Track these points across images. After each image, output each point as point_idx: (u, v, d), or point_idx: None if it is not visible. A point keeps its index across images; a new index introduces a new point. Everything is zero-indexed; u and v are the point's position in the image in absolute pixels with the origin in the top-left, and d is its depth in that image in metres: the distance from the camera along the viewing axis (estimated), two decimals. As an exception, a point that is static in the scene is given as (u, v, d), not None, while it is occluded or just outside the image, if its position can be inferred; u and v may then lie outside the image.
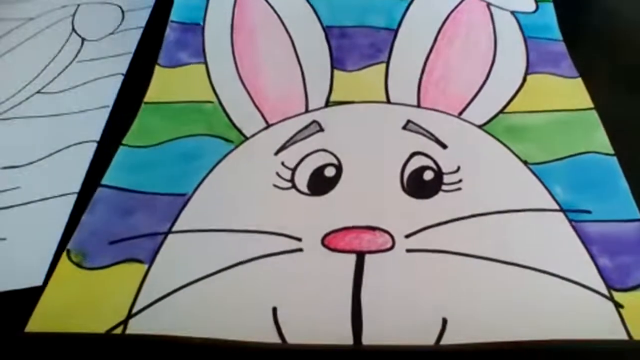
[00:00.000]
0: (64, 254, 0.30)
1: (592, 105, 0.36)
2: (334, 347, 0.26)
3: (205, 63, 0.41)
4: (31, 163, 0.36)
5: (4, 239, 0.32)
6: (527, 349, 0.25)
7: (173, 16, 0.45)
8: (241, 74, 0.40)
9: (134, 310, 0.28)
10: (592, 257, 0.29)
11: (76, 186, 0.34)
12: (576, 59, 0.40)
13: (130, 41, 0.45)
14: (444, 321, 0.26)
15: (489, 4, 0.43)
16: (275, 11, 0.44)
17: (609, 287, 0.27)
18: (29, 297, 0.29)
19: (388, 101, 0.38)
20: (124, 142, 0.36)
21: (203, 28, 0.44)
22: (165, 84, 0.40)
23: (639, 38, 0.43)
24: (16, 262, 0.31)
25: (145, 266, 0.29)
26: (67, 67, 0.44)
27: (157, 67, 0.41)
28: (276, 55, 0.41)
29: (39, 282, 0.29)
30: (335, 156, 0.34)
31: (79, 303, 0.28)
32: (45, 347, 0.27)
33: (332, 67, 0.40)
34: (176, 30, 0.44)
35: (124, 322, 0.27)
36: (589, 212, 0.30)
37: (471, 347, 0.26)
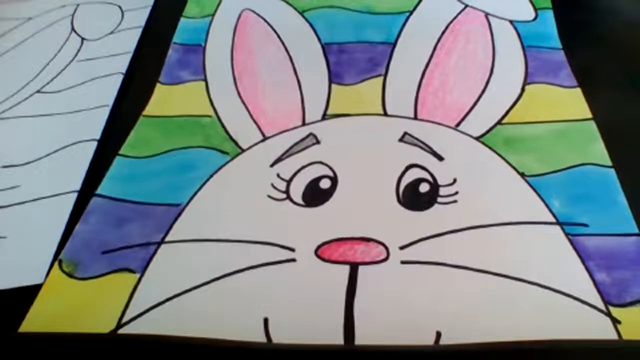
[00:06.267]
0: (56, 263, 0.30)
1: (590, 116, 0.36)
2: (333, 347, 0.26)
3: (205, 80, 0.42)
4: (31, 162, 0.36)
5: (4, 237, 0.32)
6: (527, 349, 0.25)
7: (175, 39, 0.46)
8: (240, 89, 0.40)
9: (124, 320, 0.28)
10: (589, 271, 0.28)
11: (76, 185, 0.34)
12: (575, 64, 0.40)
13: (129, 41, 0.46)
14: (438, 334, 0.26)
15: (487, 14, 0.43)
16: (275, 31, 0.44)
17: (606, 302, 0.27)
18: (30, 295, 0.29)
19: (385, 114, 0.38)
20: (120, 152, 0.36)
21: (204, 48, 0.44)
22: (164, 100, 0.40)
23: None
24: (16, 260, 0.31)
25: (137, 276, 0.29)
26: (66, 66, 0.44)
27: (157, 85, 0.42)
28: (275, 72, 0.41)
29: (39, 280, 0.30)
30: (330, 168, 0.34)
31: (69, 313, 0.28)
32: (44, 347, 0.27)
33: (330, 82, 0.40)
34: (178, 51, 0.45)
35: (113, 332, 0.27)
36: (586, 225, 0.30)
37: (471, 347, 0.25)
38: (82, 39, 0.47)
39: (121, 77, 0.42)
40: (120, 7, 0.50)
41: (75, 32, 0.48)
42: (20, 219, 0.33)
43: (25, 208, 0.34)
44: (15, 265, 0.31)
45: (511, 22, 0.43)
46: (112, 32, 0.47)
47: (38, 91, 0.42)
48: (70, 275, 0.30)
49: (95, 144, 0.37)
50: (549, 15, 0.44)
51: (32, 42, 0.47)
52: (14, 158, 0.37)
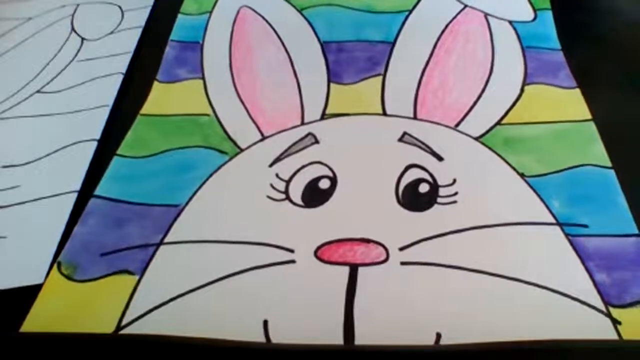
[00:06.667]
0: (55, 266, 0.30)
1: (589, 117, 0.36)
2: (333, 347, 0.26)
3: (203, 78, 0.42)
4: (31, 162, 0.36)
5: (4, 237, 0.32)
6: (527, 349, 0.25)
7: (173, 36, 0.46)
8: (238, 87, 0.40)
9: (123, 323, 0.27)
10: (589, 272, 0.28)
11: (76, 185, 0.34)
12: (575, 65, 0.40)
13: (129, 41, 0.46)
14: (438, 336, 0.26)
15: (486, 15, 0.43)
16: (273, 29, 0.44)
17: (606, 303, 0.27)
18: (30, 295, 0.29)
19: (384, 113, 0.38)
20: (118, 152, 0.36)
21: (202, 46, 0.44)
22: (162, 98, 0.40)
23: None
24: (16, 260, 0.31)
25: (136, 278, 0.29)
26: (66, 66, 0.44)
27: (155, 83, 0.41)
28: (273, 70, 0.41)
29: (39, 280, 0.30)
30: (330, 168, 0.34)
31: (68, 315, 0.28)
32: (45, 347, 0.27)
33: (329, 81, 0.40)
34: (175, 48, 0.44)
35: (113, 335, 0.27)
36: (585, 226, 0.30)
37: (471, 347, 0.25)
38: (82, 39, 0.47)
39: (121, 77, 0.42)
40: (120, 7, 0.50)
41: (75, 32, 0.48)
42: (20, 219, 0.33)
43: (25, 208, 0.34)
44: (15, 265, 0.31)
45: (510, 22, 0.43)
46: (112, 32, 0.47)
47: (38, 91, 0.42)
48: (69, 277, 0.30)
49: (95, 144, 0.37)
50: (548, 16, 0.44)
51: (32, 42, 0.47)
52: (14, 158, 0.37)
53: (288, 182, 0.33)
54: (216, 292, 0.28)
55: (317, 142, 0.36)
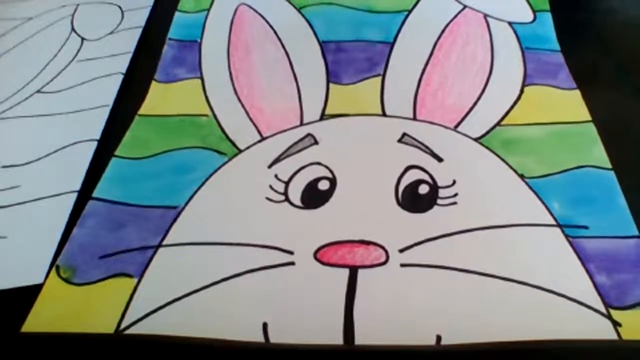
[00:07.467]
0: (53, 269, 0.30)
1: (589, 118, 0.36)
2: (333, 347, 0.26)
3: (201, 78, 0.41)
4: (31, 162, 0.36)
5: (4, 237, 0.32)
6: (527, 349, 0.25)
7: (171, 34, 0.45)
8: (236, 87, 0.40)
9: (122, 326, 0.27)
10: (590, 274, 0.28)
11: (76, 185, 0.34)
12: (574, 65, 0.40)
13: (129, 41, 0.46)
14: (438, 338, 0.26)
15: (486, 15, 0.43)
16: (272, 27, 0.44)
17: (607, 305, 0.27)
18: (29, 296, 0.29)
19: (384, 114, 0.37)
20: (116, 153, 0.36)
21: (200, 45, 0.44)
22: (160, 98, 0.40)
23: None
24: (16, 260, 0.31)
25: (135, 280, 0.29)
26: (66, 66, 0.44)
27: (153, 82, 0.41)
28: (272, 70, 0.41)
29: (39, 280, 0.30)
30: (329, 169, 0.34)
31: (67, 319, 0.28)
32: (45, 348, 0.27)
33: (328, 81, 0.40)
34: (174, 47, 0.44)
35: (112, 338, 0.27)
36: (586, 227, 0.30)
37: (471, 347, 0.25)
38: (82, 39, 0.47)
39: (121, 77, 0.42)
40: (120, 7, 0.50)
41: (75, 32, 0.48)
42: (20, 219, 0.33)
43: (25, 208, 0.34)
44: (15, 265, 0.31)
45: (509, 23, 0.43)
46: (112, 32, 0.47)
47: (38, 91, 0.42)
48: (67, 281, 0.29)
49: (95, 144, 0.37)
50: (547, 18, 0.44)
51: (32, 42, 0.47)
52: (14, 158, 0.37)
53: (287, 183, 0.33)
54: (215, 294, 0.28)
55: (316, 143, 0.36)
